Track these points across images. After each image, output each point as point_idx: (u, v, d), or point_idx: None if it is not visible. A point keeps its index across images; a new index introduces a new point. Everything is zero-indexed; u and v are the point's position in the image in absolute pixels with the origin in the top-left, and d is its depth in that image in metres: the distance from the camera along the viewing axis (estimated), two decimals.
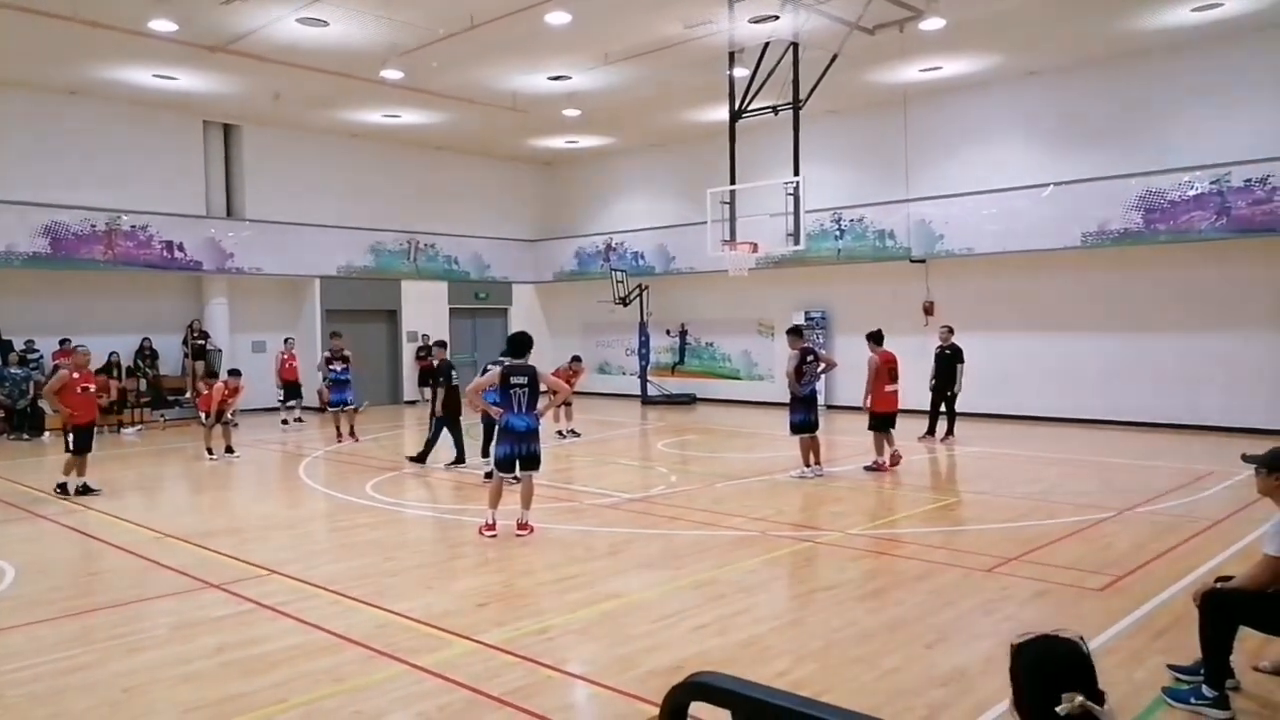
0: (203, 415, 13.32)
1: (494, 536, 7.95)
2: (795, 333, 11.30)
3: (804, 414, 10.89)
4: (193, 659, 5.14)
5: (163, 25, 12.57)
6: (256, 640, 5.44)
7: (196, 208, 18.69)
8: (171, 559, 7.39)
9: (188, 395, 17.76)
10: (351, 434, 14.74)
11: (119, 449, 14.84)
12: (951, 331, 14.26)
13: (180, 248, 17.90)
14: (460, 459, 12.06)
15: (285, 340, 17.69)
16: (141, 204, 17.58)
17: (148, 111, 17.87)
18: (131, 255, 17.29)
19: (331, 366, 14.78)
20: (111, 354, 17.34)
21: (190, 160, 18.79)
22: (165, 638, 5.54)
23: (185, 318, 18.75)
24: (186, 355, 18.43)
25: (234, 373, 13.69)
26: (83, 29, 12.97)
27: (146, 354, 18.02)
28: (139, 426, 16.96)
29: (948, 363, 13.97)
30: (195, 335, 18.43)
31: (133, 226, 17.29)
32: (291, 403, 17.17)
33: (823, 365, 11.34)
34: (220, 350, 18.48)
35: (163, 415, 17.51)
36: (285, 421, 16.98)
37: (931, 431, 14.03)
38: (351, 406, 14.89)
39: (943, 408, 14.10)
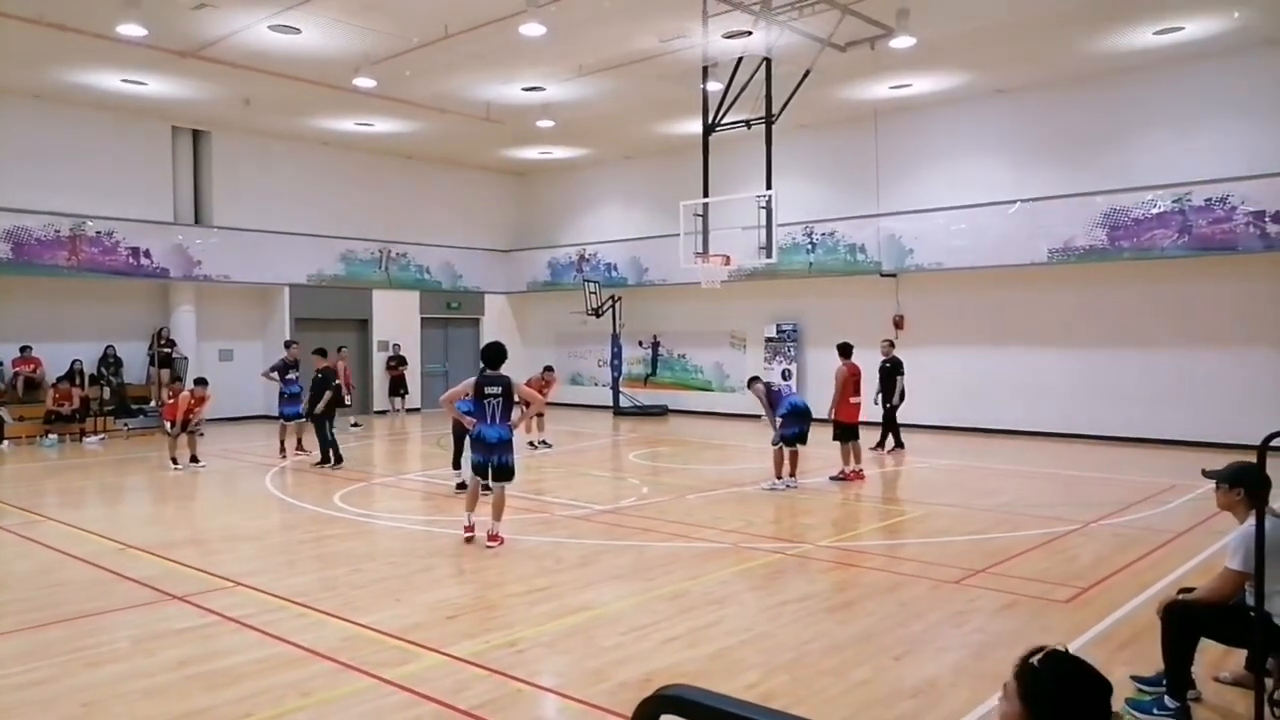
0: (167, 424, 13.12)
1: (472, 538, 8.04)
2: (756, 381, 11.75)
3: (798, 426, 10.97)
4: (155, 673, 5.04)
5: (132, 30, 12.40)
6: (221, 653, 5.35)
7: (164, 214, 18.45)
8: (134, 570, 7.26)
9: (152, 404, 17.49)
10: (300, 446, 14.13)
11: (81, 458, 14.57)
12: (892, 345, 14.42)
13: (147, 254, 17.65)
14: (325, 460, 12.82)
15: (339, 349, 17.43)
16: (107, 210, 17.33)
17: (115, 116, 17.64)
18: (97, 261, 17.02)
19: (287, 376, 14.09)
20: (75, 361, 17.03)
21: (158, 166, 18.56)
22: (126, 651, 5.43)
23: (151, 325, 18.48)
24: (152, 363, 18.15)
25: (200, 382, 13.48)
26: (49, 32, 12.79)
27: (110, 362, 17.72)
28: (102, 435, 16.65)
29: (888, 376, 14.13)
30: (162, 343, 18.16)
31: (98, 232, 17.02)
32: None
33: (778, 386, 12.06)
34: (186, 358, 18.23)
35: (126, 424, 17.22)
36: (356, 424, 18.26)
37: (881, 444, 14.18)
38: (303, 420, 14.19)
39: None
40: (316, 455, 13.27)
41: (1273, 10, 12.67)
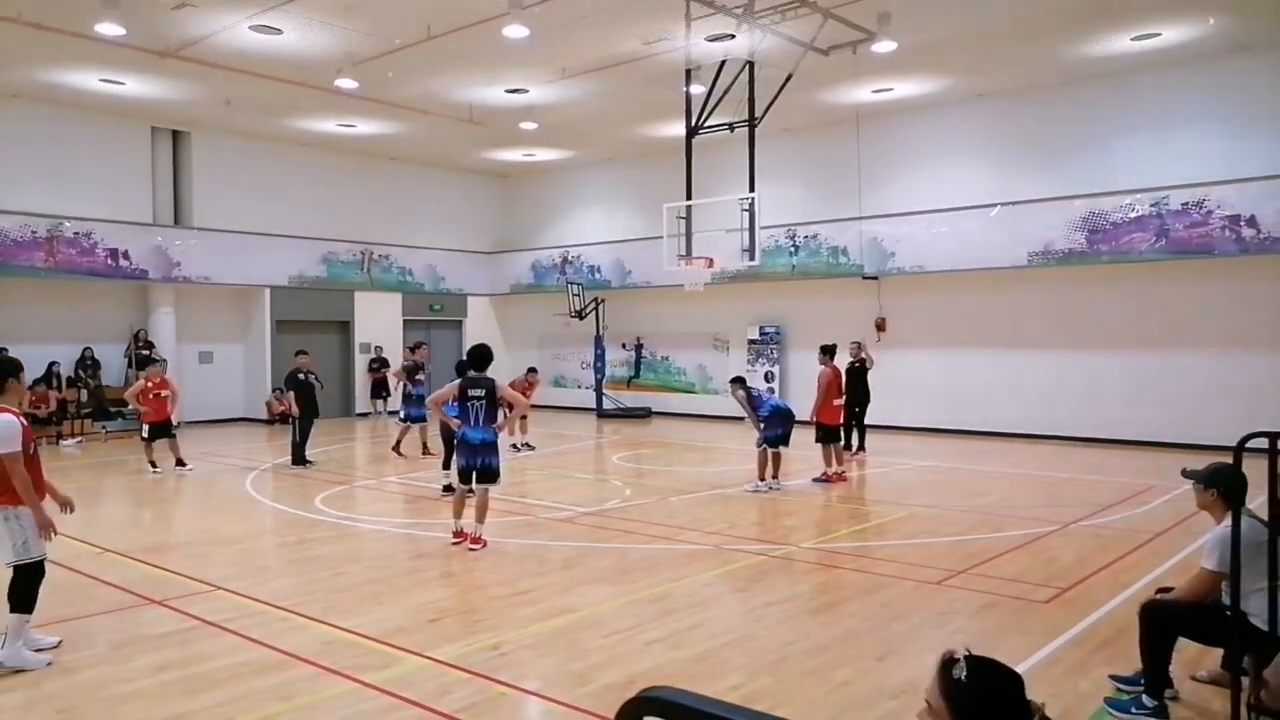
0: (144, 428, 12.98)
1: (459, 543, 8.04)
2: (738, 382, 11.74)
3: (780, 429, 11.03)
4: (133, 678, 5.00)
5: (110, 29, 12.27)
6: (200, 658, 5.31)
7: (143, 215, 18.29)
8: (112, 575, 7.19)
9: (130, 407, 17.31)
10: (425, 449, 14.12)
11: (58, 461, 14.40)
12: (861, 347, 14.37)
13: (125, 255, 17.48)
14: (298, 461, 13.22)
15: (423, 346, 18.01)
16: (85, 210, 17.16)
17: (94, 116, 17.46)
18: (74, 263, 16.84)
19: (415, 377, 14.10)
20: (52, 364, 16.85)
21: (137, 166, 18.39)
22: (104, 656, 5.38)
23: (129, 327, 18.31)
24: (130, 365, 17.97)
25: (153, 361, 13.42)
26: (27, 31, 12.64)
27: (88, 364, 17.54)
28: (79, 439, 16.48)
29: (856, 377, 14.12)
30: (140, 345, 17.98)
31: (76, 233, 16.85)
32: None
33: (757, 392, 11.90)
34: (165, 360, 18.01)
35: (104, 427, 17.04)
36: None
37: (848, 445, 14.20)
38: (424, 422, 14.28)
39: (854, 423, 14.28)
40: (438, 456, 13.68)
41: (1246, 16, 12.85)
